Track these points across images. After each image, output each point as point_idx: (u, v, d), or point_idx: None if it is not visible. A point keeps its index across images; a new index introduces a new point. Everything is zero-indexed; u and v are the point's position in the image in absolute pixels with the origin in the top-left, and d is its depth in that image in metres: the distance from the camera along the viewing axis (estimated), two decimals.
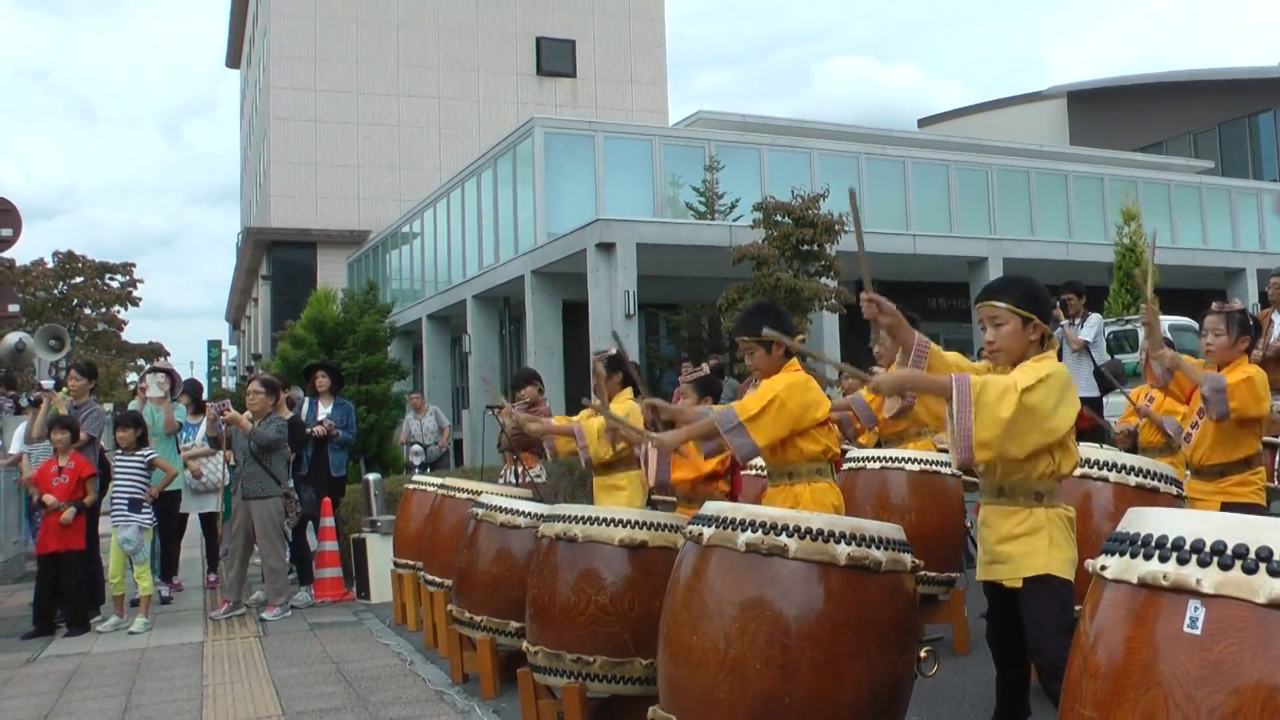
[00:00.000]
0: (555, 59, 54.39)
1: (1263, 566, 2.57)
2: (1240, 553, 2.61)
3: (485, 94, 52.86)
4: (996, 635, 5.57)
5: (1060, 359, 5.48)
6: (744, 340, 6.55)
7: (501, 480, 11.86)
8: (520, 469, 11.55)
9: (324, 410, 13.78)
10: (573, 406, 9.98)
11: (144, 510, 11.81)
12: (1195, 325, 10.09)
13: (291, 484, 12.86)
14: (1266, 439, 8.19)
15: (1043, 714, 5.79)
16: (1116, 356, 13.91)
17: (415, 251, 40.48)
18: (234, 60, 74.97)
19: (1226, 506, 6.86)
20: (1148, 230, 24.11)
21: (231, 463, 12.67)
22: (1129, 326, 18.65)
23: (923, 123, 56.78)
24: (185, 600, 13.51)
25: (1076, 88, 52.71)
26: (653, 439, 6.81)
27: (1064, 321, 12.61)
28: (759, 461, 7.14)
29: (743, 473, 8.11)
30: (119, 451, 11.93)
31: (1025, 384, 4.86)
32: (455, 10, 53.00)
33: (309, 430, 13.46)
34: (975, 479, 5.61)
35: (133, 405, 13.55)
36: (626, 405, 9.02)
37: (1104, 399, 12.70)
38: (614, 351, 9.32)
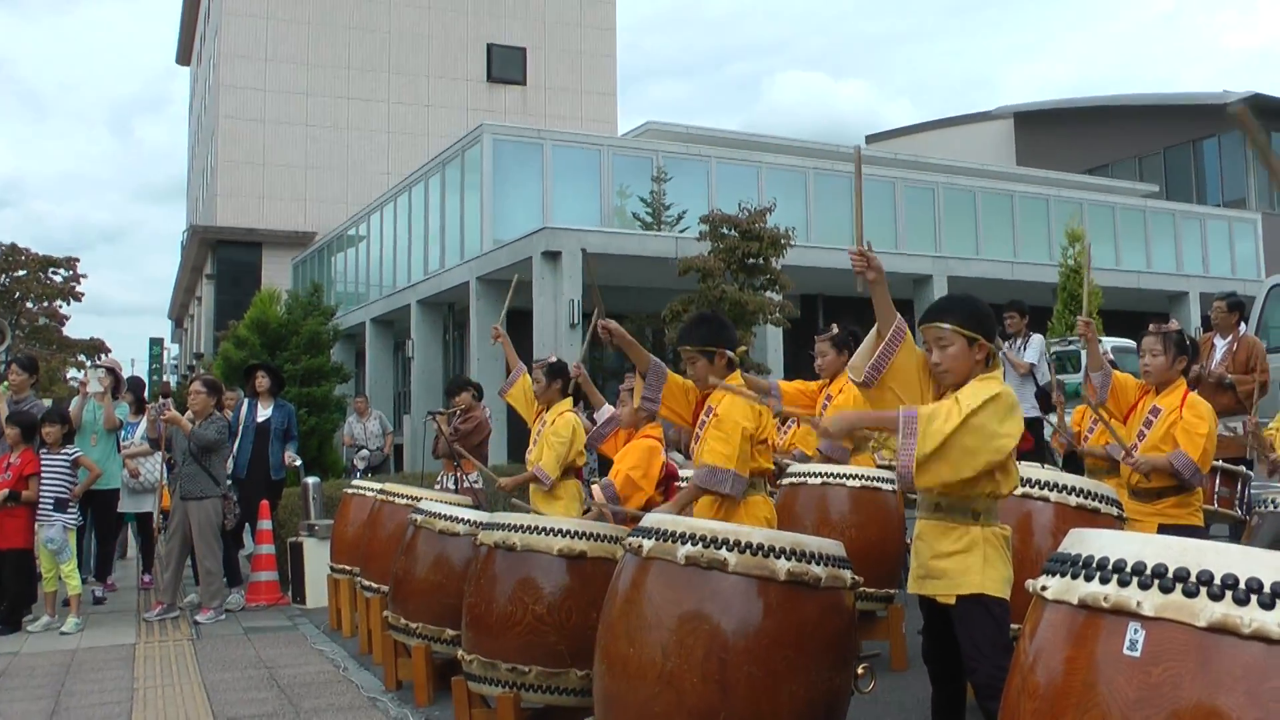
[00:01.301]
0: (506, 66, 54.40)
1: (1204, 590, 2.56)
2: (1181, 576, 2.60)
3: (435, 99, 52.82)
4: (932, 652, 5.56)
5: (1005, 379, 5.47)
6: (686, 350, 6.55)
7: (439, 486, 11.82)
8: (460, 475, 11.52)
9: (263, 412, 13.65)
10: (515, 415, 10.01)
11: (69, 510, 11.67)
12: (1135, 347, 10.15)
13: (230, 484, 12.80)
14: None
15: None
16: (1059, 376, 13.93)
17: (361, 255, 40.35)
18: (184, 57, 74.66)
19: (1164, 528, 6.89)
20: (1090, 249, 24.29)
21: (170, 462, 12.53)
22: (1072, 347, 18.74)
23: (871, 139, 56.96)
24: (119, 601, 13.36)
25: (1024, 109, 53.00)
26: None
27: (1004, 347, 12.56)
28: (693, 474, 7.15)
29: (678, 484, 8.09)
30: (44, 449, 11.78)
31: (970, 405, 4.85)
32: (407, 15, 52.93)
33: (289, 461, 13.50)
34: (914, 495, 5.61)
35: (75, 401, 13.39)
36: (567, 415, 9.02)
37: (1046, 419, 12.74)
38: (554, 359, 9.33)
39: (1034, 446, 10.74)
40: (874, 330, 5.34)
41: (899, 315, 5.29)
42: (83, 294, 61.07)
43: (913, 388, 5.29)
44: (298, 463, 13.80)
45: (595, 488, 7.61)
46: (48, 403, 15.27)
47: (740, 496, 6.24)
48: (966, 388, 5.03)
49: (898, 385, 5.25)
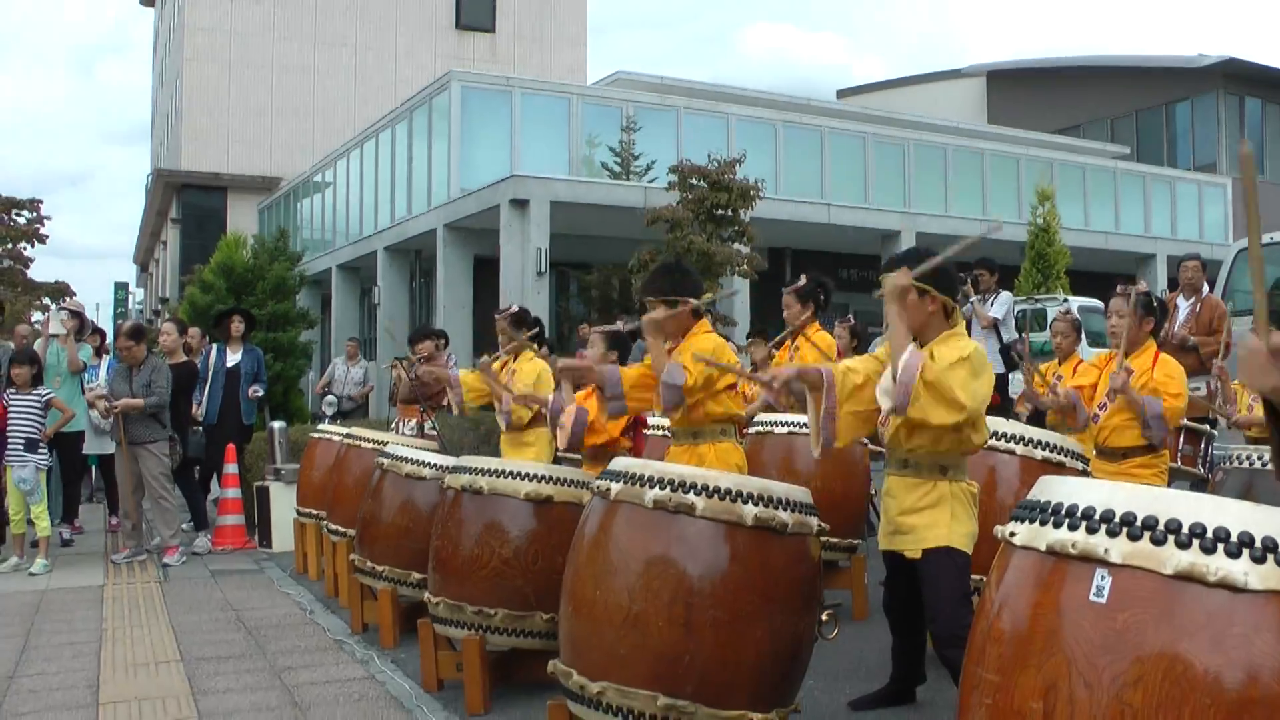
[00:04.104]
0: (475, 13, 53.89)
1: (1171, 538, 2.59)
2: (1149, 524, 2.63)
3: (402, 45, 52.36)
4: (894, 603, 5.63)
5: (969, 335, 5.50)
6: (650, 300, 6.55)
7: (394, 431, 11.84)
8: (421, 420, 11.55)
9: (233, 357, 13.60)
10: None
11: (40, 450, 11.63)
12: (1103, 307, 10.20)
13: (199, 429, 12.85)
14: None
15: (938, 680, 5.85)
16: (1024, 334, 13.96)
17: (327, 201, 40.12)
18: None
19: None
20: (1061, 209, 24.38)
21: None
22: (1038, 305, 18.81)
23: (842, 94, 56.76)
24: (86, 543, 13.31)
25: (996, 67, 52.86)
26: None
27: (974, 298, 12.56)
28: (664, 421, 7.17)
29: (646, 432, 8.12)
30: (13, 390, 11.72)
31: (948, 360, 4.92)
32: None
33: (252, 393, 13.48)
34: (881, 449, 5.65)
35: (37, 344, 13.30)
36: (535, 360, 9.04)
37: (1010, 375, 12.77)
38: (517, 309, 9.34)
39: (1000, 403, 10.75)
40: (808, 396, 5.34)
41: (823, 372, 5.28)
42: (47, 236, 60.64)
43: (870, 394, 5.32)
44: (260, 393, 13.75)
45: (574, 406, 7.53)
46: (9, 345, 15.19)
47: (667, 405, 6.23)
48: (940, 349, 5.06)
49: (856, 407, 5.28)
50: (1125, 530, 2.65)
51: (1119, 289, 7.75)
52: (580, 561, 4.76)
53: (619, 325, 8.49)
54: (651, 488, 4.56)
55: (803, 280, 9.07)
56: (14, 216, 58.91)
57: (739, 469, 6.27)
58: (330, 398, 19.76)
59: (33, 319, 55.41)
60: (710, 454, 6.29)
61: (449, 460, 7.57)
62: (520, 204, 24.94)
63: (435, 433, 11.56)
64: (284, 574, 11.14)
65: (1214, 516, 2.59)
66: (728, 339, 7.94)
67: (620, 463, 4.88)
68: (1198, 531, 2.57)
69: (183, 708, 6.53)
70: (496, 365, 9.39)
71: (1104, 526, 2.69)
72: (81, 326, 13.97)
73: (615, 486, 4.69)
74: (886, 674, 5.97)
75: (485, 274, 27.12)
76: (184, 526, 12.40)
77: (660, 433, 8.26)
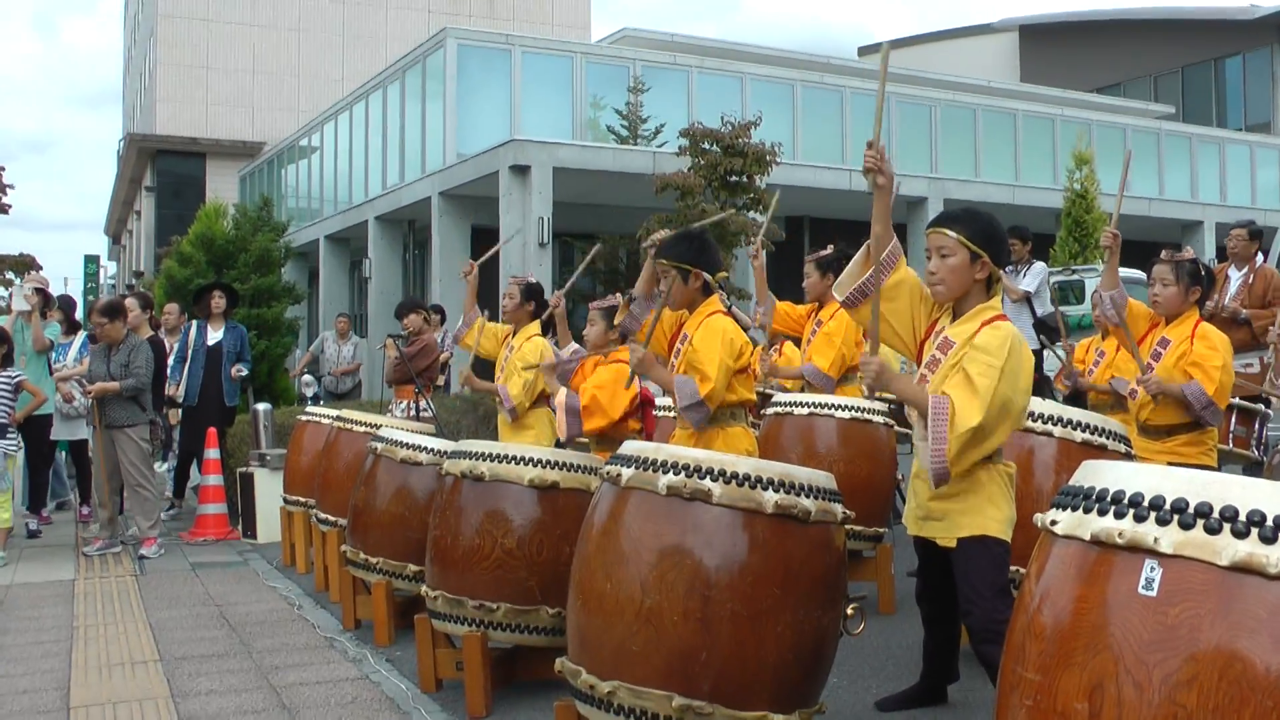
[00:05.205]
0: None
1: (1226, 527, 2.56)
2: (1203, 512, 2.60)
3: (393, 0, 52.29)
4: (926, 594, 5.60)
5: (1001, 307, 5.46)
6: (663, 264, 6.58)
7: (389, 413, 11.86)
8: (420, 401, 11.56)
9: (214, 334, 13.60)
10: None
11: (9, 435, 11.61)
12: (1144, 278, 10.15)
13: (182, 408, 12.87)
14: None
15: (972, 679, 5.84)
16: (1061, 308, 13.90)
17: (314, 167, 40.02)
18: None
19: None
20: (1100, 174, 24.25)
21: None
22: (1075, 277, 18.72)
23: (864, 51, 56.51)
24: (55, 534, 13.29)
25: (1030, 21, 52.68)
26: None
27: (1004, 269, 12.47)
28: (670, 403, 7.18)
29: (655, 413, 8.11)
30: None
31: (988, 385, 4.85)
32: None
33: (235, 372, 13.49)
34: (909, 429, 5.62)
35: (2, 321, 13.27)
36: (536, 339, 9.05)
37: (1044, 352, 12.71)
38: (531, 279, 9.34)
39: (1036, 380, 10.72)
40: (865, 246, 5.33)
41: (895, 237, 5.29)
42: (9, 206, 60.52)
43: (903, 314, 5.30)
44: (244, 373, 13.75)
45: (561, 390, 7.62)
46: None
47: (698, 428, 6.29)
48: (974, 355, 4.98)
49: (886, 309, 5.26)
50: (1176, 518, 2.63)
51: (1163, 255, 7.72)
52: (589, 552, 4.74)
53: (614, 297, 8.57)
54: (665, 473, 4.54)
55: (828, 249, 9.04)
56: None
57: (749, 454, 6.27)
58: (308, 378, 19.73)
59: None
60: (719, 438, 6.31)
61: (447, 445, 7.57)
62: (521, 170, 24.89)
63: (424, 413, 11.58)
64: (270, 566, 11.12)
65: (1273, 503, 2.56)
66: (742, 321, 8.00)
67: (631, 446, 4.86)
68: (1256, 519, 2.54)
69: (161, 712, 6.52)
70: (499, 336, 9.49)
71: (1153, 514, 2.67)
72: (46, 302, 13.92)
73: (626, 472, 4.67)
74: (916, 671, 5.97)
75: (483, 245, 27.04)
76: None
77: (670, 414, 8.27)
